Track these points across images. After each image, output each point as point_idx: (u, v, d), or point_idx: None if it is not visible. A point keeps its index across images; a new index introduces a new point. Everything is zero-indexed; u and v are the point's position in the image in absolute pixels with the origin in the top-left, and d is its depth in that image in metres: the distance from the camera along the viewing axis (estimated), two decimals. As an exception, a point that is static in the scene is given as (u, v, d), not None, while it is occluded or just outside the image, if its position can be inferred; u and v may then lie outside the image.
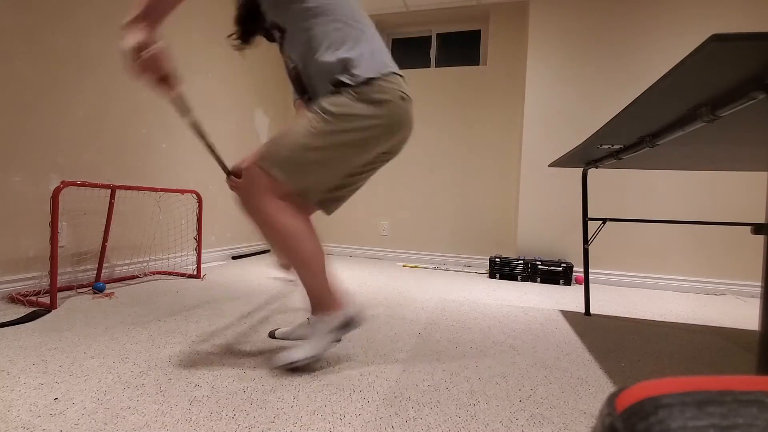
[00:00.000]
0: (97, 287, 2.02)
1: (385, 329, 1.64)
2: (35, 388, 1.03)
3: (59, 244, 2.02)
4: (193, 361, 1.24)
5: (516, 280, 2.96)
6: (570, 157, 1.74)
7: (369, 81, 1.17)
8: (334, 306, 1.26)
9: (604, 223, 2.01)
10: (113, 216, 2.28)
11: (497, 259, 2.99)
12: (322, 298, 1.26)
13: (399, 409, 1.01)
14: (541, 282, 2.91)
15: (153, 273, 2.54)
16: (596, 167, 1.87)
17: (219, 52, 3.13)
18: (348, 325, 1.28)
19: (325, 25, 1.18)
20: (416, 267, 3.37)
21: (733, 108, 0.81)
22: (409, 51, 3.95)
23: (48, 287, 1.95)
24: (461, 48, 3.80)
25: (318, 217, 3.99)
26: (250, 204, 1.20)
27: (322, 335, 1.24)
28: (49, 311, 1.67)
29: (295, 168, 1.18)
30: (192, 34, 2.86)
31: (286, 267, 1.71)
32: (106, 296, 1.95)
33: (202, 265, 2.96)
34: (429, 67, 3.83)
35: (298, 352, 1.20)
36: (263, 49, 3.70)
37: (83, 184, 1.84)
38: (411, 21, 3.81)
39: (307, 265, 1.23)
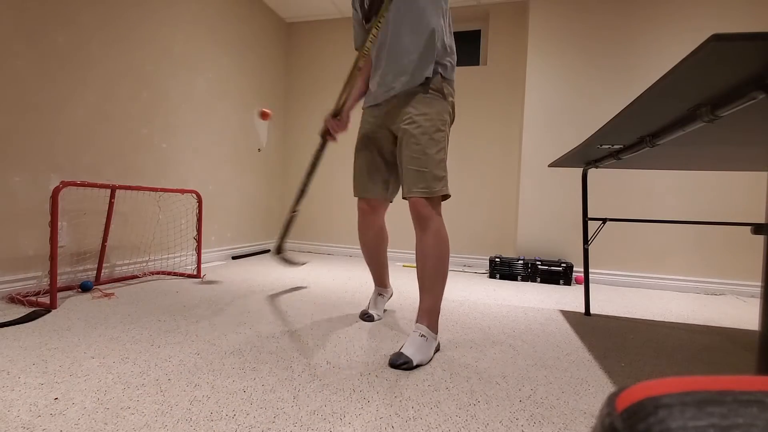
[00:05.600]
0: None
1: (385, 329, 1.64)
2: (35, 388, 1.03)
3: (59, 244, 2.01)
4: (193, 361, 1.24)
5: (516, 280, 2.96)
6: (570, 157, 1.74)
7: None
8: (437, 328, 1.41)
9: (604, 223, 2.01)
10: (113, 216, 2.28)
11: (497, 259, 2.99)
12: (437, 314, 1.41)
13: (399, 409, 1.01)
14: (541, 282, 2.91)
15: (153, 273, 2.54)
16: (596, 167, 1.87)
17: (219, 53, 3.13)
18: (437, 350, 1.41)
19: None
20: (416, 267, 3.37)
21: (733, 108, 0.81)
22: (409, 51, 3.95)
23: (48, 287, 1.95)
24: (461, 48, 3.79)
25: (318, 216, 3.99)
26: (432, 228, 1.37)
27: (429, 352, 1.33)
28: (49, 311, 1.67)
29: (446, 180, 1.40)
30: (193, 35, 2.86)
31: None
32: (106, 296, 1.95)
33: (202, 265, 2.97)
34: (429, 67, 3.82)
35: (416, 358, 1.27)
36: (263, 49, 3.70)
37: (83, 184, 1.84)
38: (411, 21, 3.81)
39: (445, 278, 1.43)
